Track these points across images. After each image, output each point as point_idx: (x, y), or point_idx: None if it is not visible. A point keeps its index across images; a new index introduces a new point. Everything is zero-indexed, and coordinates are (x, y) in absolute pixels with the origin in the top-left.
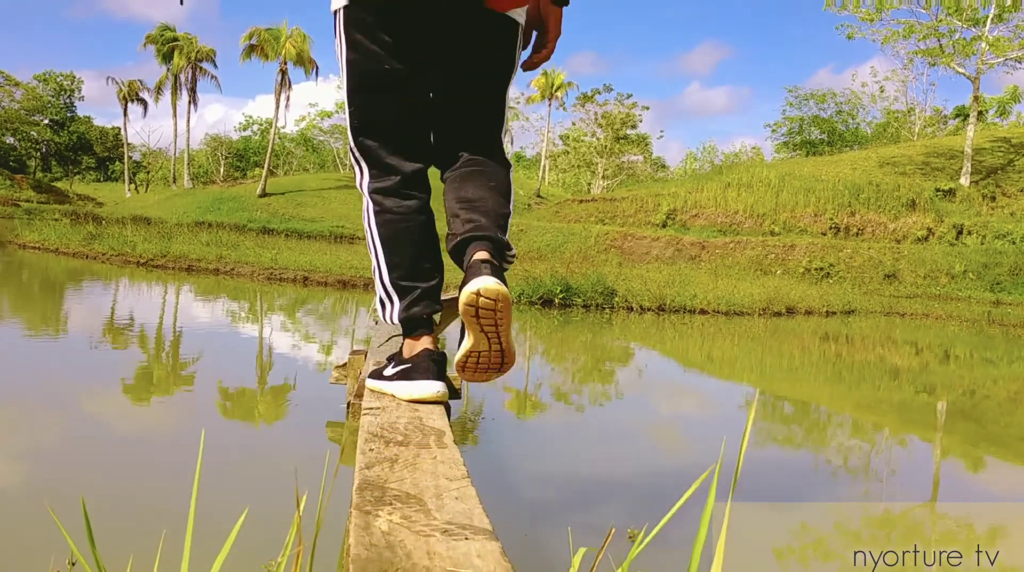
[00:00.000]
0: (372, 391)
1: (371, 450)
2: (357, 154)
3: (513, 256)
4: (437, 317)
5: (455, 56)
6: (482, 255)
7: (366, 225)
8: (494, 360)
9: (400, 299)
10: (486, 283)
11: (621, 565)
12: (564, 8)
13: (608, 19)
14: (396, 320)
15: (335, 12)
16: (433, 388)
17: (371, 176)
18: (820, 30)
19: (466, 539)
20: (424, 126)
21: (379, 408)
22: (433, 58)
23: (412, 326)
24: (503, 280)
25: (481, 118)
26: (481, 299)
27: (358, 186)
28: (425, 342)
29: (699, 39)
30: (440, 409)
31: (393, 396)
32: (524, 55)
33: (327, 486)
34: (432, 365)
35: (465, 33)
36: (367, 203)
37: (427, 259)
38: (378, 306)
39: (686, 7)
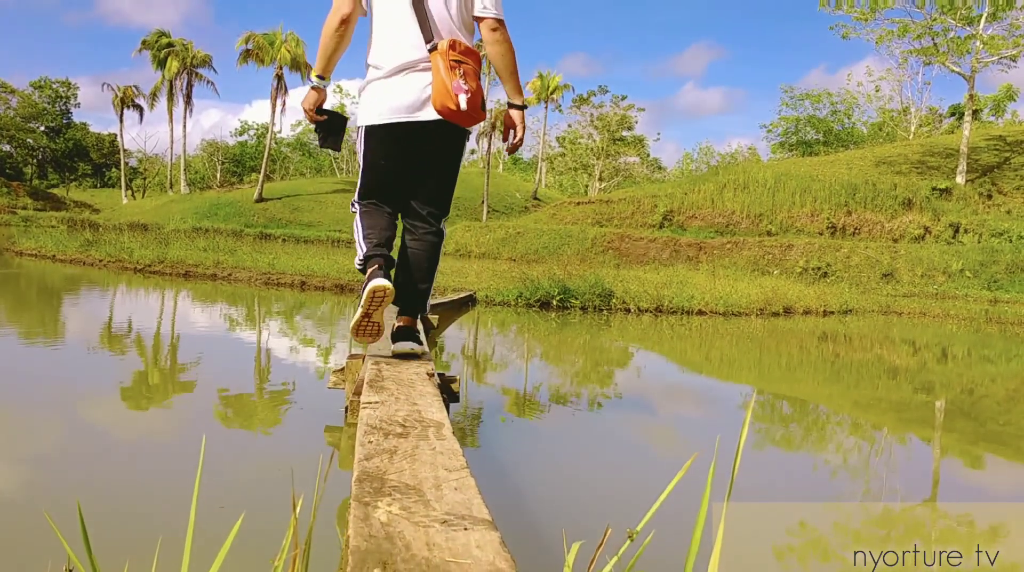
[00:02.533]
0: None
1: (370, 442)
2: (357, 200)
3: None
4: (382, 260)
5: (429, 156)
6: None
7: (355, 223)
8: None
9: (367, 245)
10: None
11: (623, 566)
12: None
13: (597, 20)
14: (363, 257)
15: (359, 127)
16: (382, 281)
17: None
18: (812, 30)
19: (465, 529)
20: (401, 193)
21: (378, 402)
22: (414, 156)
23: (370, 257)
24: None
25: (441, 187)
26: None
27: (353, 209)
28: (375, 267)
29: (691, 40)
30: (439, 402)
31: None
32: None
33: (322, 486)
34: (380, 272)
35: (438, 143)
36: (357, 209)
37: (387, 230)
38: (357, 259)
39: (676, 8)
